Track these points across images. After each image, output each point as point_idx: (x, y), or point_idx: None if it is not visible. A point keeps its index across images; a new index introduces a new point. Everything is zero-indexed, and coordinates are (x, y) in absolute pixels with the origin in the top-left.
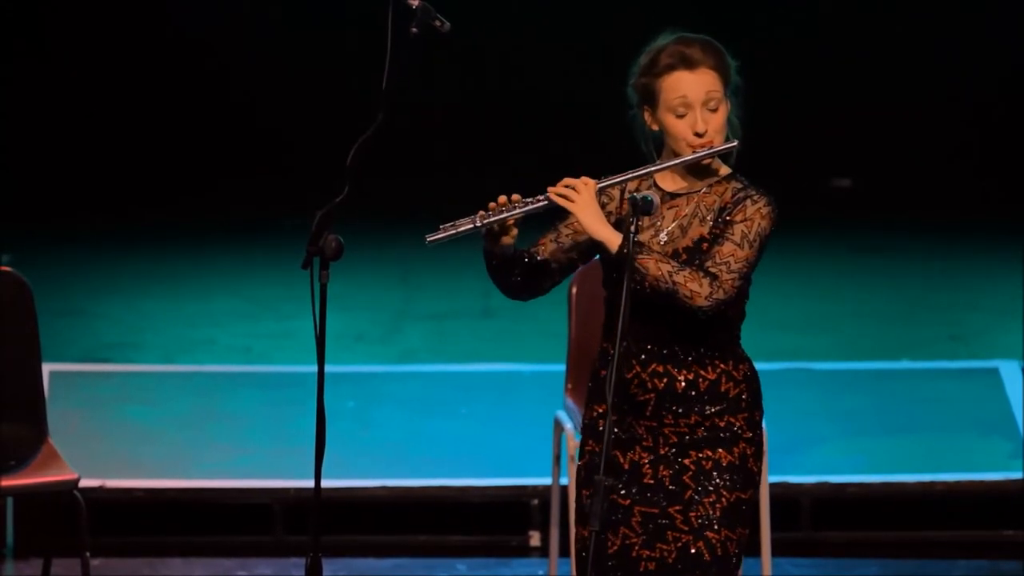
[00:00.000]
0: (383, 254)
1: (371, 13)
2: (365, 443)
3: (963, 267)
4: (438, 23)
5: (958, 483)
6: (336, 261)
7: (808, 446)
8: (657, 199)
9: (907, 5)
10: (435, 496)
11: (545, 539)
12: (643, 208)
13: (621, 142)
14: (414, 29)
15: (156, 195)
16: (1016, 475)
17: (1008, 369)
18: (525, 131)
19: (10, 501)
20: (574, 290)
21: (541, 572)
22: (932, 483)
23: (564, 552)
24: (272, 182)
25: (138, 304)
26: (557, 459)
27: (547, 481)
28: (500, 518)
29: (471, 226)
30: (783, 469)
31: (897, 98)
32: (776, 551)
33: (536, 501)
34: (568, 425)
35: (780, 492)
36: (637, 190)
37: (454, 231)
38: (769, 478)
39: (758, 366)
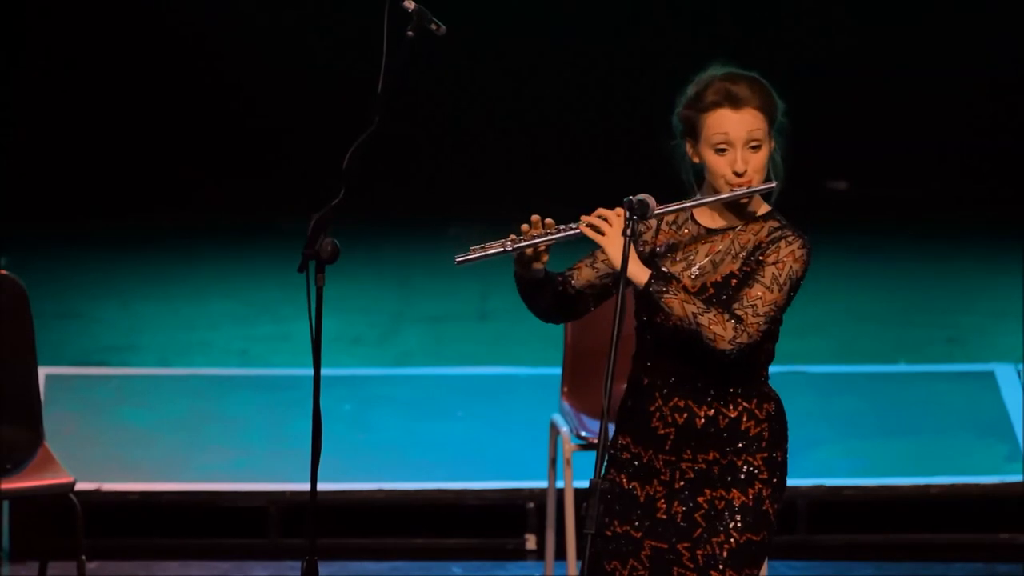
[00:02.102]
0: (380, 257)
1: (368, 15)
2: (361, 446)
3: (960, 270)
4: (434, 27)
5: (954, 486)
6: (332, 264)
7: (804, 449)
8: (653, 201)
9: (905, 7)
10: (431, 499)
11: (541, 542)
12: (640, 211)
13: (623, 151)
14: (410, 32)
15: (152, 197)
16: (1012, 478)
17: (1004, 372)
18: (524, 133)
19: (6, 504)
20: None
21: (537, 574)
22: (928, 486)
23: (560, 555)
24: (268, 185)
25: (134, 307)
26: (553, 462)
27: (543, 484)
28: (496, 521)
29: (501, 250)
30: None
31: (894, 100)
32: (772, 554)
33: (532, 504)
34: (564, 428)
35: None
36: (675, 222)
37: (483, 253)
38: None
39: None
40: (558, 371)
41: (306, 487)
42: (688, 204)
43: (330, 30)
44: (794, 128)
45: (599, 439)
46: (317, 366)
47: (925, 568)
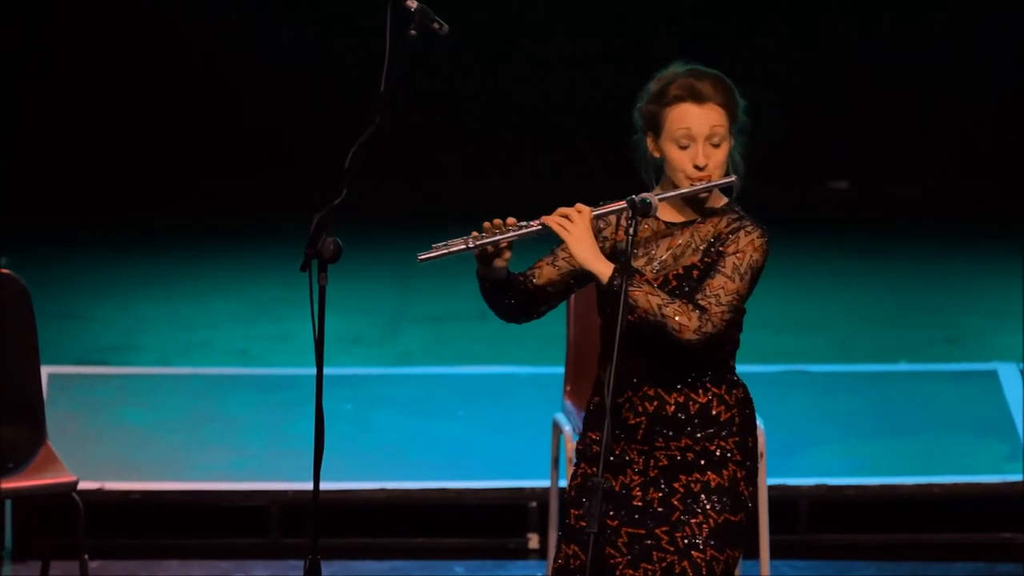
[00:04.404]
0: (381, 256)
1: (370, 14)
2: (363, 445)
3: (960, 269)
4: (436, 25)
5: (956, 485)
6: (334, 264)
7: (805, 448)
8: (655, 201)
9: (905, 8)
10: (433, 498)
11: (543, 541)
12: (642, 210)
13: (617, 152)
14: (413, 32)
15: (152, 198)
16: (1014, 477)
17: (1006, 371)
18: (526, 134)
19: (9, 504)
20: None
21: (539, 574)
22: (930, 485)
23: None
24: (269, 184)
25: (134, 307)
26: (555, 461)
27: (545, 483)
28: (498, 520)
29: (463, 246)
30: (780, 471)
31: (894, 100)
32: (773, 553)
33: (534, 503)
34: (567, 427)
35: (777, 494)
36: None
37: (446, 250)
38: (767, 480)
39: (755, 368)
40: (559, 370)
41: (307, 487)
42: None
43: (331, 30)
44: (795, 128)
45: (603, 438)
46: (320, 366)
47: (926, 568)
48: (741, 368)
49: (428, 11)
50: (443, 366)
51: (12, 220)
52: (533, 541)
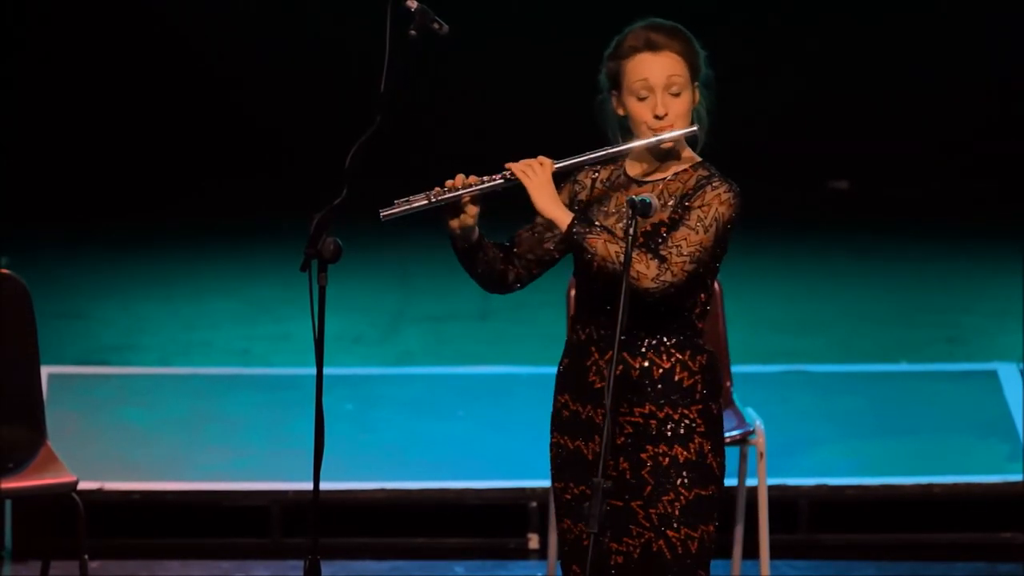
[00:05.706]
0: (381, 256)
1: (371, 14)
2: (363, 445)
3: (960, 269)
4: (436, 25)
5: (956, 485)
6: (334, 264)
7: (806, 448)
8: (656, 201)
9: (905, 8)
10: (433, 498)
11: (544, 541)
12: (641, 210)
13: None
14: (412, 32)
15: (153, 197)
16: (1014, 477)
17: (1006, 371)
18: (527, 134)
19: (9, 504)
20: (572, 292)
21: (540, 574)
22: (930, 485)
23: None
24: (269, 184)
25: (135, 307)
26: None
27: (545, 483)
28: (498, 520)
29: (425, 202)
30: (781, 471)
31: (894, 100)
32: (774, 553)
33: (534, 503)
34: None
35: (778, 494)
36: (608, 179)
37: (408, 207)
38: (767, 480)
39: (755, 368)
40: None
41: (308, 487)
42: (611, 151)
43: (331, 29)
44: (795, 128)
45: (603, 438)
46: (320, 366)
47: (926, 568)
48: (741, 368)
49: (428, 11)
50: (443, 366)
51: (12, 220)
52: (533, 541)
